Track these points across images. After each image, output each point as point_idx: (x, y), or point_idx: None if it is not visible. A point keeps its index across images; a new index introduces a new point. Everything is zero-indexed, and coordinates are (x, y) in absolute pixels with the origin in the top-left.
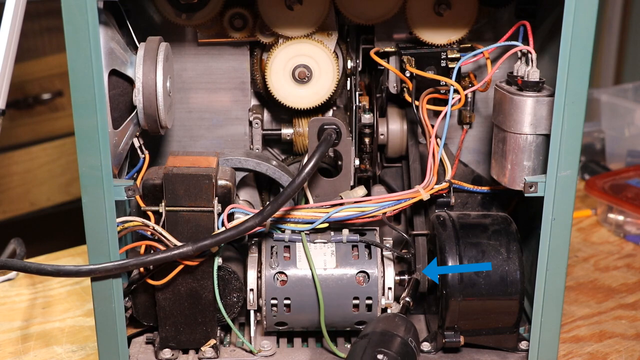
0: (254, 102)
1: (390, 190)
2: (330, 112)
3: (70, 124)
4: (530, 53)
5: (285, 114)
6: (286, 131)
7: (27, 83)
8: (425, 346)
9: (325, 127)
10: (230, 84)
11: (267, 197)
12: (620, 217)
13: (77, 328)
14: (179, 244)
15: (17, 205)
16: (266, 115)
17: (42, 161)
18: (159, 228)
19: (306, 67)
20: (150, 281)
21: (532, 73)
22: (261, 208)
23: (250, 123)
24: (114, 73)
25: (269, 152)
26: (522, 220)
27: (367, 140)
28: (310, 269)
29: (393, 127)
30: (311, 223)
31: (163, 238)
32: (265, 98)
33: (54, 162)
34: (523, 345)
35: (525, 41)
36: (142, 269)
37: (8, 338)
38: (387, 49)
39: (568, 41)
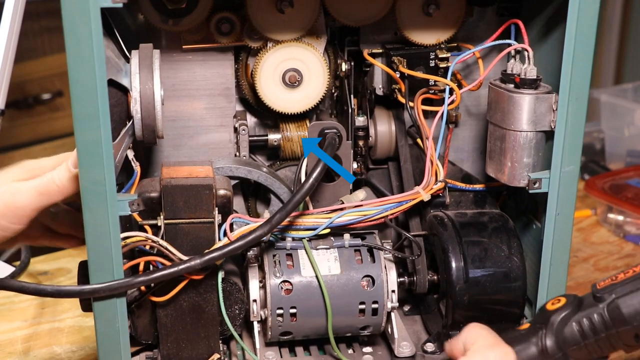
0: (238, 108)
1: (377, 192)
2: (314, 117)
3: (71, 124)
4: (527, 51)
5: (269, 119)
6: (273, 137)
7: (27, 83)
8: (429, 347)
9: (326, 131)
10: (214, 90)
11: (253, 204)
12: (620, 217)
13: (77, 328)
14: (184, 258)
15: None
16: (250, 121)
17: None
18: (164, 243)
19: (296, 71)
20: (153, 298)
21: (530, 71)
22: (268, 217)
23: (236, 129)
24: (108, 83)
25: (253, 159)
26: (510, 216)
27: (361, 143)
28: (317, 276)
29: (381, 129)
30: (313, 229)
31: (168, 252)
32: (250, 104)
33: None
34: None
35: (519, 39)
36: (142, 286)
37: (8, 338)
38: (375, 51)
39: (572, 38)
